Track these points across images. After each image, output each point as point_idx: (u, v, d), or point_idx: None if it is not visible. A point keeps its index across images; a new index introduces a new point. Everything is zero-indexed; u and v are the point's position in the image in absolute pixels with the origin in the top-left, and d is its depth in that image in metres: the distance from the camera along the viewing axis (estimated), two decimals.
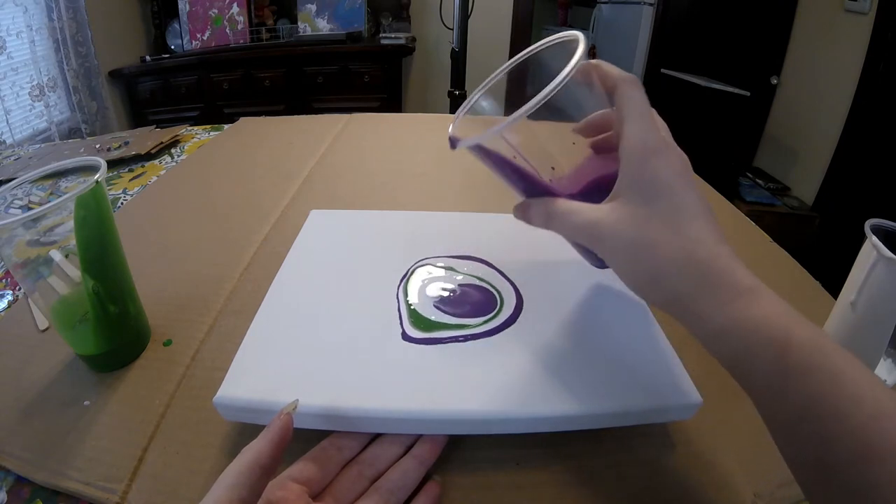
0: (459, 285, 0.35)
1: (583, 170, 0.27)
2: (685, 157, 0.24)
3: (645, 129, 0.23)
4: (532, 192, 0.27)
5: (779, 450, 0.19)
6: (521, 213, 0.27)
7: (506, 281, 0.36)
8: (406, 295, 0.34)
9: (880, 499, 0.15)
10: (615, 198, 0.23)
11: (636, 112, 0.23)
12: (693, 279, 0.21)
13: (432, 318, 0.32)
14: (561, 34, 0.26)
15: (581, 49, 0.23)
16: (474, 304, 0.33)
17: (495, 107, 0.29)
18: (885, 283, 0.26)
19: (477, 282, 0.36)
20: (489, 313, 0.32)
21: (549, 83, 0.21)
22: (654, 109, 0.24)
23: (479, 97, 0.29)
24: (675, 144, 0.24)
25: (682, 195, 0.22)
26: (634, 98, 0.23)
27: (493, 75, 0.29)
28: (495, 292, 0.35)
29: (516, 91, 0.27)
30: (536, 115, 0.22)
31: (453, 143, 0.26)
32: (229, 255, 0.45)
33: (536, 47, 0.27)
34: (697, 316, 0.21)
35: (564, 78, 0.21)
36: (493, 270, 0.37)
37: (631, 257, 0.22)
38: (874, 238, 0.26)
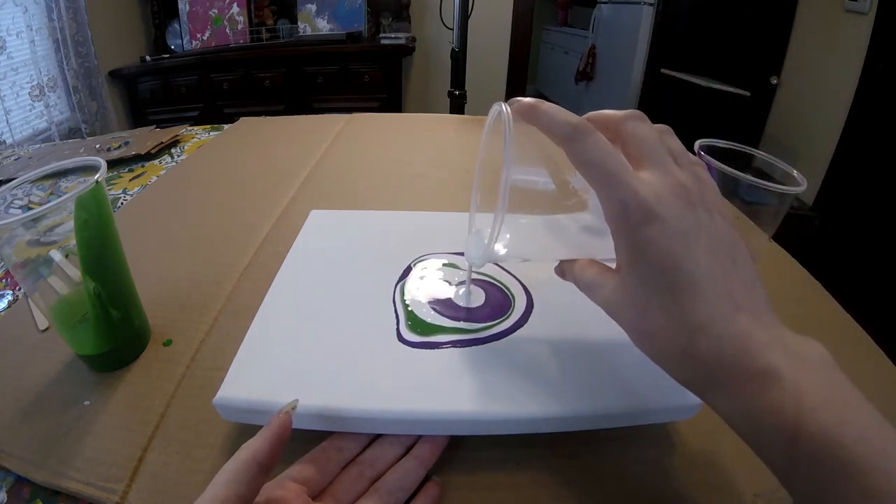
0: (470, 283, 0.35)
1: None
2: (696, 187, 0.20)
3: (623, 189, 0.19)
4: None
5: None
6: (558, 270, 0.26)
7: (514, 280, 0.36)
8: (403, 295, 0.34)
9: None
10: (618, 270, 0.22)
11: (601, 170, 0.20)
12: (695, 372, 0.20)
13: (428, 320, 0.32)
14: (491, 112, 0.24)
15: (508, 150, 0.21)
16: (488, 305, 0.33)
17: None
18: None
19: (489, 279, 0.36)
20: (501, 316, 0.32)
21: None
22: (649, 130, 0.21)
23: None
24: (681, 181, 0.20)
25: (682, 267, 0.19)
26: (587, 151, 0.20)
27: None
28: (507, 291, 0.34)
29: None
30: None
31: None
32: (229, 255, 0.45)
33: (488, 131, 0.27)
34: (706, 402, 0.20)
35: (503, 196, 0.21)
36: (498, 268, 0.37)
37: (637, 341, 0.21)
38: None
